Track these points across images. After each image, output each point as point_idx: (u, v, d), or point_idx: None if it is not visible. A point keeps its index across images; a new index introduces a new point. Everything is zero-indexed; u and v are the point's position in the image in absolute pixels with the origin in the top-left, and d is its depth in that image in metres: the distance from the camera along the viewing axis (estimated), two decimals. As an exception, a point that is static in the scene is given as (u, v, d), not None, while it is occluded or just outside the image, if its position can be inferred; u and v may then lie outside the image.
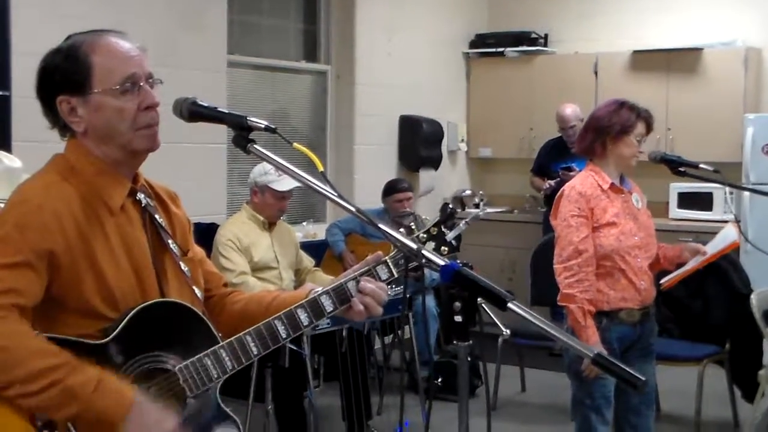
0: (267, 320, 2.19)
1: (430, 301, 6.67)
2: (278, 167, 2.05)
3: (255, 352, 2.18)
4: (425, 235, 2.38)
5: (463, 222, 2.42)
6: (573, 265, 3.87)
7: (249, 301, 2.36)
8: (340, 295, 2.23)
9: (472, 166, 9.48)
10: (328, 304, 2.22)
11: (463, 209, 8.32)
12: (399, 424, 5.04)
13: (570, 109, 7.64)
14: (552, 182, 7.60)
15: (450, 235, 2.39)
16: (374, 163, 7.95)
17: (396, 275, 2.28)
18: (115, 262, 2.10)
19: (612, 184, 3.97)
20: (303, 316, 2.21)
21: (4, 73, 5.04)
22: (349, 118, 7.86)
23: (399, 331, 6.44)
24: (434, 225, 2.39)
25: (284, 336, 2.20)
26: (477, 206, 8.98)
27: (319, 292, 2.24)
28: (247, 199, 5.49)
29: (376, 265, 2.26)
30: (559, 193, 4.05)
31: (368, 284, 2.24)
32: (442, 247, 2.38)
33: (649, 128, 4.00)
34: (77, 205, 2.08)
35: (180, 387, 2.12)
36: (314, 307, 2.22)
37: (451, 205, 2.44)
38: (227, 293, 2.43)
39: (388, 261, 2.27)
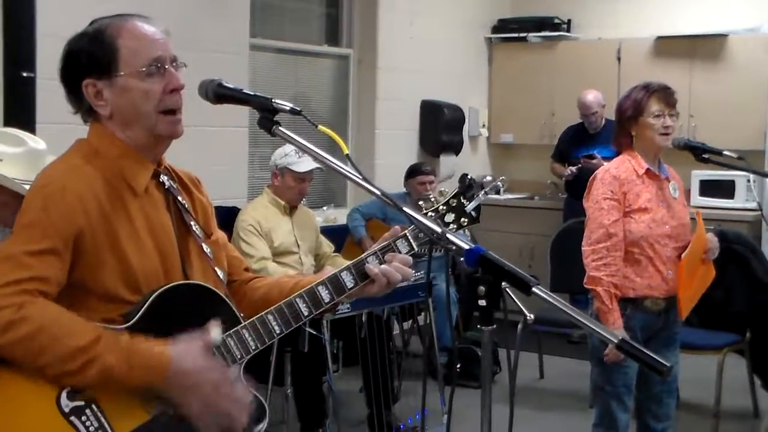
0: (288, 298, 2.19)
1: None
2: (303, 149, 2.04)
3: (277, 331, 2.18)
4: (445, 207, 2.35)
5: (482, 192, 2.38)
6: (601, 248, 3.85)
7: (270, 288, 2.36)
8: (361, 270, 2.22)
9: (493, 151, 9.47)
10: (348, 280, 2.21)
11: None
12: (421, 410, 5.04)
13: (592, 96, 7.60)
14: (573, 169, 7.58)
15: (470, 206, 2.35)
16: (395, 148, 7.94)
17: (416, 249, 2.25)
18: (138, 244, 2.11)
19: (648, 170, 3.94)
20: (324, 293, 2.20)
21: (29, 55, 5.05)
22: (371, 103, 7.84)
23: (418, 317, 6.44)
24: (453, 196, 2.36)
25: (306, 313, 2.19)
26: (498, 192, 8.94)
27: (339, 269, 2.23)
28: (269, 183, 5.49)
29: (396, 240, 2.25)
30: (593, 176, 4.02)
31: (396, 255, 2.23)
32: (462, 219, 2.35)
33: (666, 102, 3.93)
34: (100, 188, 2.09)
35: None
36: (335, 283, 2.21)
37: (470, 176, 2.40)
38: (248, 279, 2.43)
39: (408, 234, 2.25)
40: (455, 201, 2.36)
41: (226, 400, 2.06)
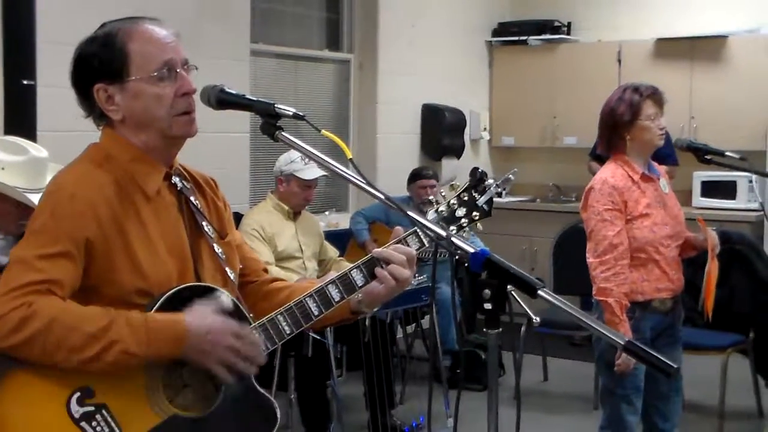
0: (298, 298, 2.20)
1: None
2: (306, 154, 2.04)
3: (288, 332, 2.19)
4: (456, 202, 2.32)
5: (494, 185, 2.35)
6: (609, 260, 3.83)
7: (293, 291, 2.34)
8: (371, 268, 2.22)
9: (494, 155, 9.46)
10: (359, 278, 2.21)
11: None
12: (426, 413, 5.03)
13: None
14: None
15: (481, 200, 2.33)
16: (397, 152, 7.93)
17: (426, 244, 2.24)
18: (150, 248, 2.11)
19: (642, 174, 3.93)
20: (334, 292, 2.20)
21: (30, 63, 5.05)
22: (372, 107, 7.85)
23: (422, 321, 6.43)
24: (464, 190, 2.33)
25: (316, 313, 2.19)
26: (500, 195, 8.93)
27: (349, 268, 2.23)
28: (272, 188, 5.49)
29: (406, 236, 2.25)
30: (588, 186, 3.98)
31: (386, 250, 2.21)
32: (474, 213, 2.32)
33: (659, 104, 3.93)
34: (112, 192, 2.09)
35: None
36: (345, 282, 2.21)
37: (481, 169, 2.37)
38: (269, 280, 2.43)
39: (418, 230, 2.23)
40: (466, 195, 2.33)
41: (242, 356, 2.09)
